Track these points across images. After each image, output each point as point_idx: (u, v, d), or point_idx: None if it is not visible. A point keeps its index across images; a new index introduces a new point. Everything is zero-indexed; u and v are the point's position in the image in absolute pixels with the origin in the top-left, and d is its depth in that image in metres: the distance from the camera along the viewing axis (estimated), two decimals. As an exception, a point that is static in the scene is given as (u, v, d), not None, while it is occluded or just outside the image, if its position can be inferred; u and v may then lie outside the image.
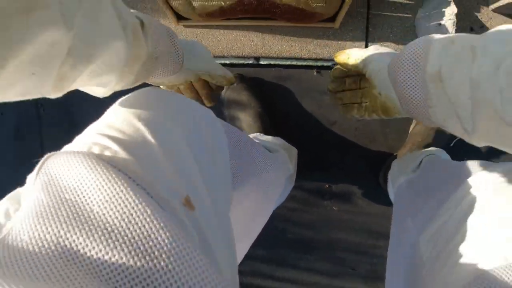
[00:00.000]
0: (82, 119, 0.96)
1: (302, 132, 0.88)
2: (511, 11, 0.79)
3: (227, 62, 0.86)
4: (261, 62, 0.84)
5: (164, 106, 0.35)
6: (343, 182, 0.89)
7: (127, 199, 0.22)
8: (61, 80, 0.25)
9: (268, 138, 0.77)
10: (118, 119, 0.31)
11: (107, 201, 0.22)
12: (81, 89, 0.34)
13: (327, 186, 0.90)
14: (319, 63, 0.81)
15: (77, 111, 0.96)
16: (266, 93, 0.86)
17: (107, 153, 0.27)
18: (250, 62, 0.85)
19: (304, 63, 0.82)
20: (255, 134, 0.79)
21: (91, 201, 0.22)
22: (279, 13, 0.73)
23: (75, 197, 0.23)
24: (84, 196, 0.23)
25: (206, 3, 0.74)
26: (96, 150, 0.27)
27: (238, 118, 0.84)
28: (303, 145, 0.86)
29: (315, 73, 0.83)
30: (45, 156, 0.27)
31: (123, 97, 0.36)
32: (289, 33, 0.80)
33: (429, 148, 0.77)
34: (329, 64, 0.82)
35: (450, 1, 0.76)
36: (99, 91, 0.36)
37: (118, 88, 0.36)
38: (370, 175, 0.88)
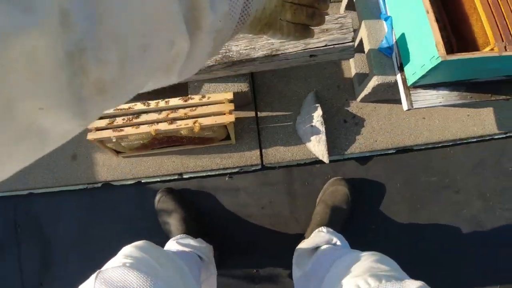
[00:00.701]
0: (58, 239, 1.07)
1: (225, 227, 1.03)
2: (376, 98, 1.04)
3: (158, 179, 1.06)
4: (184, 176, 1.04)
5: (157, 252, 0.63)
6: (268, 265, 1.00)
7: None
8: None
9: (189, 241, 0.91)
10: (131, 251, 0.57)
11: None
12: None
13: (255, 271, 1.00)
14: (228, 171, 1.02)
15: (53, 232, 1.08)
16: (191, 200, 1.04)
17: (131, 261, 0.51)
18: (175, 177, 1.05)
19: (217, 173, 1.03)
20: (179, 235, 0.93)
21: None
22: (186, 141, 0.97)
23: None
24: None
25: (131, 143, 0.98)
26: (127, 263, 0.50)
27: (167, 223, 0.99)
28: (227, 237, 1.00)
29: (227, 178, 1.03)
30: (97, 271, 0.48)
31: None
32: (200, 152, 1.03)
33: (321, 239, 0.90)
34: (237, 170, 1.02)
35: (317, 106, 1.01)
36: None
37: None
38: (290, 256, 1.00)
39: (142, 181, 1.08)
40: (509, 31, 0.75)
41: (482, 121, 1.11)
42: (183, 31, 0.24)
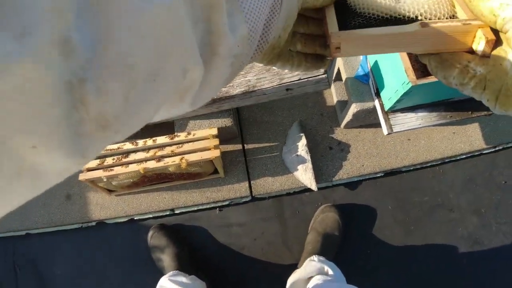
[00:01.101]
0: (56, 278, 1.07)
1: (218, 261, 1.02)
2: (359, 123, 1.06)
3: (150, 216, 1.07)
4: (176, 212, 1.05)
5: None
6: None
7: None
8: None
9: (182, 278, 0.91)
10: None
11: None
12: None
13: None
14: (219, 204, 1.03)
15: (50, 271, 1.08)
16: (184, 235, 1.04)
17: None
18: (167, 213, 1.06)
19: (208, 206, 1.04)
20: (172, 272, 0.93)
21: None
22: (175, 177, 0.99)
23: None
24: None
25: (121, 181, 1.00)
26: None
27: (160, 259, 0.99)
28: (220, 271, 0.99)
29: (217, 211, 1.04)
30: None
31: None
32: (190, 187, 1.04)
33: (312, 268, 0.89)
34: (227, 202, 1.03)
35: (302, 135, 1.03)
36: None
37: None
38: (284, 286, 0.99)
39: (135, 218, 1.09)
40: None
41: (468, 137, 1.13)
42: (198, 57, 0.22)
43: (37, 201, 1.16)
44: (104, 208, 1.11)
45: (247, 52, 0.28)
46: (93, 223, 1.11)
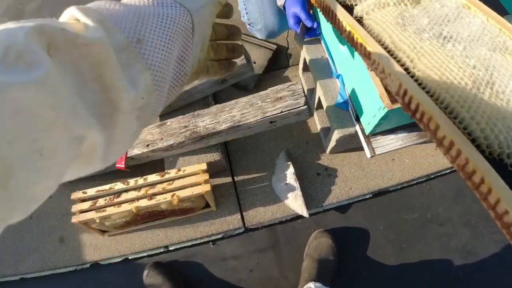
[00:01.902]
0: None
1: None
2: (344, 148, 1.09)
3: (145, 254, 1.06)
4: (170, 248, 1.05)
5: None
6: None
7: None
8: None
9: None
10: None
11: None
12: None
13: None
14: (212, 237, 1.03)
15: None
16: (180, 271, 1.04)
17: None
18: (162, 250, 1.05)
19: (202, 241, 1.04)
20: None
21: None
22: (168, 214, 1.00)
23: None
24: None
25: (114, 222, 1.00)
26: None
27: (157, 300, 0.98)
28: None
29: (211, 245, 1.04)
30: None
31: None
32: (183, 223, 1.05)
33: None
34: (221, 235, 1.04)
35: (289, 164, 1.06)
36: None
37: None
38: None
39: (129, 257, 1.08)
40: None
41: (451, 152, 1.17)
42: (91, 121, 0.21)
43: (30, 245, 1.15)
44: (98, 249, 1.10)
45: (156, 100, 0.27)
46: (88, 265, 1.10)
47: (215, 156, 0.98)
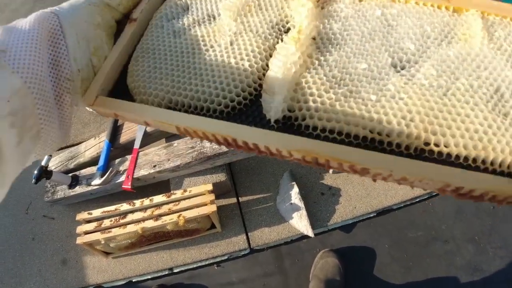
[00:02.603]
0: None
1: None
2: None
3: (149, 277, 1.05)
4: (175, 270, 1.04)
5: None
6: None
7: None
8: None
9: None
10: None
11: None
12: None
13: None
14: (218, 259, 1.03)
15: None
16: (185, 295, 1.02)
17: None
18: (166, 272, 1.04)
19: (207, 263, 1.04)
20: None
21: None
22: (173, 235, 1.00)
23: None
24: None
25: (119, 243, 1.00)
26: None
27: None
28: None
29: (216, 267, 1.04)
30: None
31: None
32: (188, 244, 1.04)
33: None
34: (226, 257, 1.03)
35: (294, 184, 1.07)
36: None
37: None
38: None
39: (133, 280, 1.07)
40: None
41: (451, 169, 1.18)
42: None
43: (32, 268, 1.13)
44: (102, 271, 1.09)
45: (38, 106, 0.25)
46: (90, 288, 1.09)
47: (220, 177, 1.00)
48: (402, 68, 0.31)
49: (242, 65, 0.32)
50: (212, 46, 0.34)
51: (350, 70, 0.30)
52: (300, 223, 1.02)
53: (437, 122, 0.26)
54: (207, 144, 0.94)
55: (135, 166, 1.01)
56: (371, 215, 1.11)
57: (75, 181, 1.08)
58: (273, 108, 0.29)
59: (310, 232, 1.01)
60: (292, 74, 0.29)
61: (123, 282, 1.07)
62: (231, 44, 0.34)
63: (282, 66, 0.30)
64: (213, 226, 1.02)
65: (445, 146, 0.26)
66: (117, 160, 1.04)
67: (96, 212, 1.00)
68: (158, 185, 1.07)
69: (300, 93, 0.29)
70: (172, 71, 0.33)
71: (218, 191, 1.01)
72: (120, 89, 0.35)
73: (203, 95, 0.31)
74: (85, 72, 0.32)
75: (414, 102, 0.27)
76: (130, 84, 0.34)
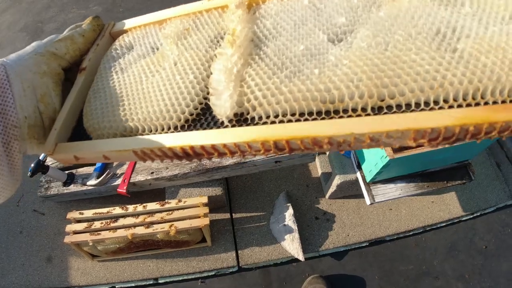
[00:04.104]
0: None
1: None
2: (343, 194, 1.10)
3: (133, 285, 1.03)
4: (160, 281, 1.03)
5: None
6: None
7: None
8: None
9: None
10: None
11: None
12: None
13: None
14: (204, 274, 1.01)
15: None
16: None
17: None
18: (151, 282, 1.03)
19: (193, 276, 1.02)
20: None
21: None
22: (162, 245, 0.98)
23: None
24: None
25: (107, 246, 0.98)
26: None
27: None
28: None
29: (199, 283, 1.02)
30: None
31: None
32: (176, 256, 1.03)
33: None
34: (213, 273, 1.02)
35: (289, 205, 1.07)
36: None
37: None
38: None
39: (116, 286, 1.05)
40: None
41: (447, 205, 1.18)
42: None
43: (16, 261, 1.11)
44: (85, 274, 1.07)
45: None
46: (72, 290, 1.06)
47: (217, 191, 0.99)
48: (340, 41, 0.31)
49: (187, 78, 0.33)
50: (158, 71, 0.36)
51: (288, 54, 0.31)
52: (292, 245, 1.01)
53: (385, 75, 0.26)
54: (206, 156, 0.95)
55: (132, 171, 1.00)
56: (364, 245, 1.10)
57: (70, 179, 1.07)
58: (223, 107, 0.29)
59: (301, 256, 1.00)
60: (235, 72, 0.30)
61: (106, 287, 1.05)
62: (175, 64, 0.35)
63: (222, 67, 0.31)
64: (203, 240, 1.01)
65: (401, 95, 0.25)
66: (115, 163, 1.04)
67: (88, 213, 0.99)
68: (153, 192, 1.06)
69: (245, 86, 0.30)
70: (123, 101, 0.34)
71: (213, 204, 1.00)
72: (78, 134, 0.36)
73: (154, 114, 0.32)
74: (32, 118, 0.32)
75: (357, 64, 0.27)
76: (85, 124, 0.35)
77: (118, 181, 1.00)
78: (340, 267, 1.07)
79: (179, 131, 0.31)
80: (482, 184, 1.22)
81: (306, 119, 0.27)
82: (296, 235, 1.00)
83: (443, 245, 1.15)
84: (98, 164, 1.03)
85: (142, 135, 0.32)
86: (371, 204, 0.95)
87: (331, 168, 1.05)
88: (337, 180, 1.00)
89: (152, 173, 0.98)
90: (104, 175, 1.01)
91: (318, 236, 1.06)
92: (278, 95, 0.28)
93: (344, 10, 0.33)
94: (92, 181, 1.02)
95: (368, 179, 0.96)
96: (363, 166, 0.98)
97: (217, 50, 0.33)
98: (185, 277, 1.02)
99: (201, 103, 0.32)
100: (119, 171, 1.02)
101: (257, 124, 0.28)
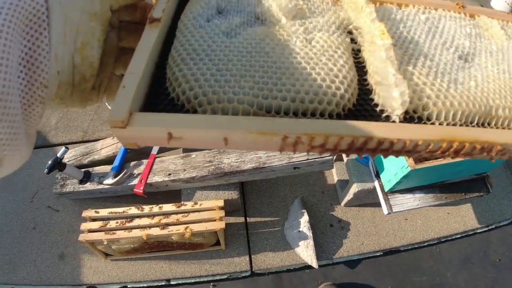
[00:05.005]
0: None
1: None
2: (359, 202, 1.10)
3: (145, 285, 1.03)
4: (172, 283, 1.02)
5: None
6: None
7: None
8: None
9: None
10: None
11: None
12: None
13: None
14: (217, 277, 1.01)
15: None
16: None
17: None
18: (163, 283, 1.03)
19: (205, 279, 1.02)
20: None
21: None
22: (176, 246, 0.98)
23: None
24: None
25: (121, 246, 0.98)
26: None
27: None
28: None
29: (211, 286, 1.02)
30: None
31: None
32: (189, 258, 1.03)
33: None
34: (226, 276, 1.01)
35: (304, 212, 1.06)
36: None
37: None
38: None
39: (128, 286, 1.05)
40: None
41: (462, 217, 1.17)
42: None
43: (28, 257, 1.12)
44: (98, 272, 1.07)
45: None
46: (84, 287, 1.07)
47: (233, 195, 0.99)
48: (466, 61, 0.33)
49: (337, 62, 0.28)
50: (286, 45, 0.30)
51: (436, 61, 0.31)
52: (306, 252, 1.00)
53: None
54: (225, 160, 0.94)
55: (149, 172, 1.01)
56: (378, 254, 1.09)
57: (86, 177, 1.08)
58: (394, 100, 0.27)
59: (314, 263, 0.99)
60: (399, 66, 0.29)
61: (117, 286, 1.05)
62: (309, 42, 0.30)
63: (388, 58, 0.29)
64: (217, 243, 1.01)
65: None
66: (132, 163, 1.04)
67: (103, 212, 0.99)
68: (169, 193, 1.06)
69: (413, 83, 0.28)
70: (249, 72, 0.27)
71: (227, 208, 1.00)
72: (150, 104, 0.27)
73: (307, 95, 0.26)
74: (66, 74, 0.24)
75: (500, 85, 0.31)
76: (187, 91, 0.26)
77: (135, 181, 1.01)
78: (353, 275, 1.06)
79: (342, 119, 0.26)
80: (498, 196, 1.21)
81: (472, 126, 0.28)
82: (310, 242, 1.00)
83: (457, 257, 1.14)
84: (116, 164, 1.03)
85: (291, 117, 0.25)
86: (389, 213, 0.94)
87: (348, 176, 1.04)
88: (354, 188, 0.99)
89: (169, 174, 0.98)
90: (121, 174, 1.01)
91: (332, 243, 1.06)
92: (450, 97, 0.28)
93: (463, 35, 0.35)
94: (109, 180, 1.02)
95: (386, 189, 0.95)
96: (381, 175, 0.97)
97: (374, 38, 0.31)
98: (198, 280, 1.02)
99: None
100: (136, 171, 1.02)
101: (425, 123, 0.27)
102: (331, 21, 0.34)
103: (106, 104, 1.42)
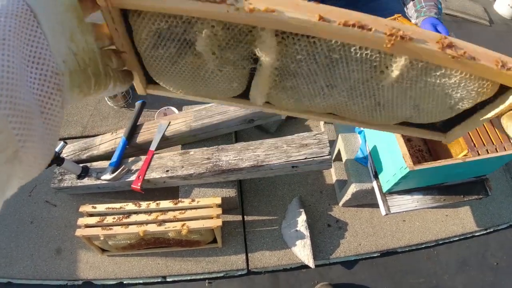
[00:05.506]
0: None
1: None
2: (357, 202, 1.09)
3: (141, 281, 1.03)
4: (168, 279, 1.02)
5: None
6: None
7: None
8: None
9: None
10: None
11: None
12: None
13: None
14: (213, 275, 1.01)
15: None
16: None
17: None
18: (159, 280, 1.02)
19: (201, 277, 1.01)
20: None
21: None
22: (173, 243, 0.98)
23: None
24: None
25: (118, 242, 0.98)
26: None
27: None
28: None
29: (206, 284, 1.01)
30: None
31: None
32: (186, 255, 1.03)
33: None
34: (222, 274, 1.01)
35: (302, 211, 1.06)
36: None
37: None
38: None
39: (124, 282, 1.05)
40: (480, 138, 0.85)
41: (461, 219, 1.16)
42: None
43: (25, 251, 1.12)
44: (94, 268, 1.07)
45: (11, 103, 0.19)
46: (80, 282, 1.06)
47: (230, 192, 0.99)
48: None
49: None
50: None
51: None
52: (303, 251, 1.00)
53: None
54: (223, 157, 0.94)
55: (147, 168, 1.00)
56: (375, 255, 1.08)
57: (84, 172, 1.07)
58: None
59: (311, 263, 0.99)
60: None
61: (113, 282, 1.05)
62: None
63: None
64: (214, 241, 1.01)
65: None
66: (130, 159, 1.04)
67: (101, 207, 0.99)
68: (167, 190, 1.06)
69: None
70: None
71: (225, 205, 1.00)
72: None
73: None
74: (70, 63, 0.26)
75: None
76: None
77: (132, 177, 1.00)
78: (350, 276, 1.05)
79: None
80: (497, 199, 1.20)
81: None
82: (307, 241, 0.99)
83: (454, 259, 1.13)
84: (114, 159, 1.03)
85: None
86: (386, 214, 0.94)
87: (346, 176, 1.04)
88: (352, 188, 0.98)
89: (167, 171, 0.98)
90: (119, 170, 1.01)
91: (329, 243, 1.05)
92: None
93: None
94: (107, 176, 1.02)
95: (384, 189, 0.95)
96: (380, 176, 0.96)
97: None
98: (194, 277, 1.01)
99: None
100: (134, 167, 1.02)
101: None
102: None
103: (106, 99, 1.42)
